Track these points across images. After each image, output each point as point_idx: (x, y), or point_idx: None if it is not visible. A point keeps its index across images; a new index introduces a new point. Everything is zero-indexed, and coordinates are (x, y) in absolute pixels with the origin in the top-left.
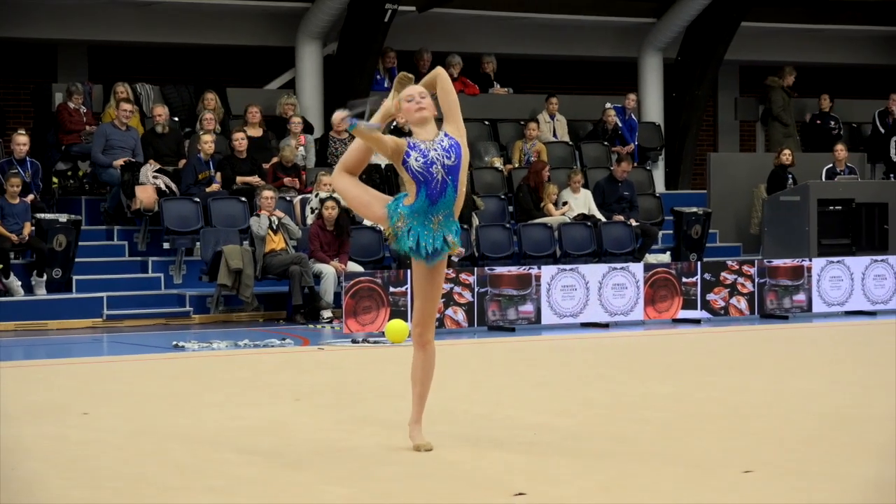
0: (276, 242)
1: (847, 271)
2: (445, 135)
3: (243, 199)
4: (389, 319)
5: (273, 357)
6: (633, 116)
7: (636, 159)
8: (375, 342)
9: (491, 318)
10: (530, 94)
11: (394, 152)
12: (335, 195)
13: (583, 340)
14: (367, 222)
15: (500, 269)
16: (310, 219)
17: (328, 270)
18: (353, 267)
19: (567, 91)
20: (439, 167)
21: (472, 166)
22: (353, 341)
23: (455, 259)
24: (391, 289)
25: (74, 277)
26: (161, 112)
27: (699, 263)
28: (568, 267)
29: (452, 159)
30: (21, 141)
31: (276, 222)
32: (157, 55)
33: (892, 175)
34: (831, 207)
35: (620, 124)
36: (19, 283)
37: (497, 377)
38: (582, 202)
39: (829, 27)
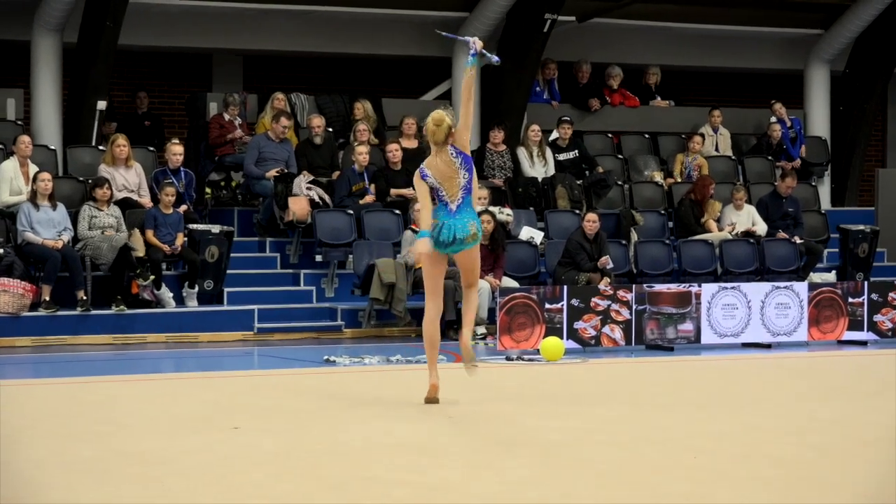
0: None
1: None
2: (452, 151)
3: (397, 211)
4: (545, 336)
5: (425, 373)
6: (785, 120)
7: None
8: (530, 360)
9: (649, 336)
10: (692, 107)
11: (419, 180)
12: (491, 209)
13: (744, 361)
14: (523, 236)
15: (659, 287)
16: None
17: (483, 285)
18: (508, 282)
19: (730, 104)
20: (438, 179)
21: (632, 180)
22: (508, 358)
23: (609, 266)
24: (547, 305)
25: (226, 289)
26: (318, 123)
27: (866, 283)
28: (729, 285)
29: (453, 169)
30: (176, 151)
31: None
32: (312, 64)
33: None
34: None
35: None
36: (171, 294)
37: (656, 398)
38: (745, 219)
39: None
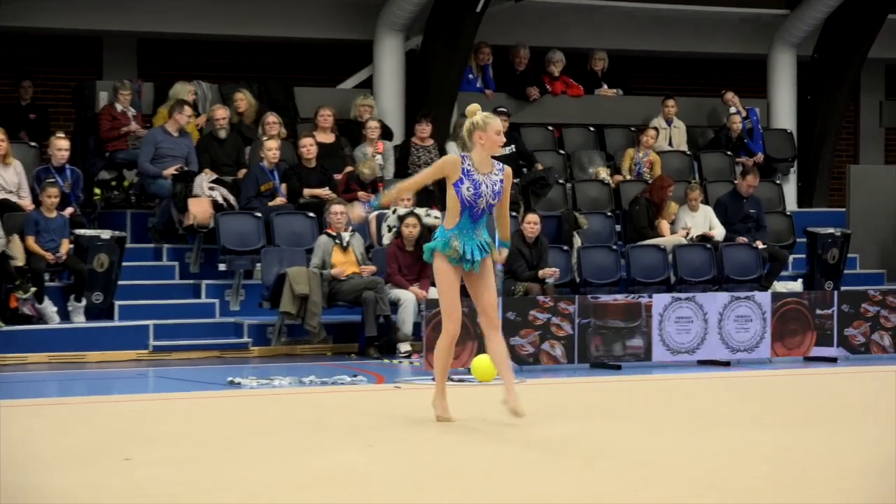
0: (347, 264)
1: None
2: (500, 170)
3: (311, 214)
4: (476, 354)
5: (343, 396)
6: (740, 110)
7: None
8: (461, 380)
9: (594, 353)
10: (642, 97)
11: (451, 168)
12: (417, 211)
13: (699, 381)
14: None
15: (605, 298)
16: (386, 238)
17: (407, 297)
18: (435, 293)
19: (685, 93)
20: (485, 201)
21: (575, 179)
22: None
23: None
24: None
25: (117, 303)
26: (223, 114)
27: (836, 293)
28: (683, 296)
29: (496, 199)
30: (61, 146)
31: (347, 241)
32: (215, 49)
33: None
34: None
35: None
36: (55, 308)
37: (598, 421)
38: (701, 221)
39: None
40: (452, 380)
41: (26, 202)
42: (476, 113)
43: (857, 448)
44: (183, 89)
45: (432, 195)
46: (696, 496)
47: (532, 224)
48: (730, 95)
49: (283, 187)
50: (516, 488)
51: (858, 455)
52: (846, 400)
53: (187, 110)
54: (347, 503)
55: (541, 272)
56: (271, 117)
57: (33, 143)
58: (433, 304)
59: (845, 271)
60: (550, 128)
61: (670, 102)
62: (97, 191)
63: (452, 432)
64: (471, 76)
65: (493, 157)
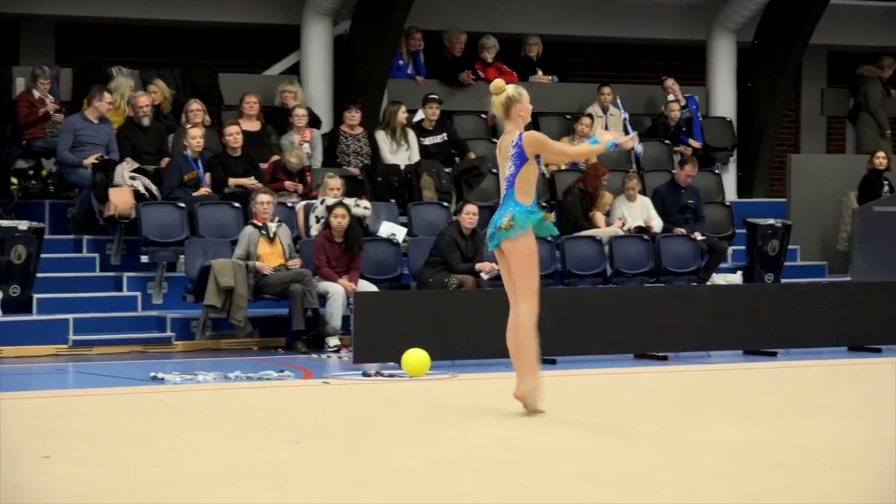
0: (274, 256)
1: None
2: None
3: (237, 204)
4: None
5: (269, 392)
6: (679, 98)
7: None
8: (391, 375)
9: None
10: (578, 83)
11: None
12: (346, 201)
13: (634, 375)
14: (382, 233)
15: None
16: (314, 229)
17: (336, 290)
18: (366, 286)
19: (622, 80)
20: None
21: None
22: (365, 374)
23: (486, 276)
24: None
25: (35, 296)
26: (145, 101)
27: (776, 286)
28: (622, 288)
29: None
30: None
31: (274, 232)
32: (137, 34)
33: None
34: None
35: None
36: None
37: (527, 417)
38: (639, 212)
39: None
40: (382, 375)
41: None
42: (505, 88)
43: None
44: (125, 83)
45: (361, 185)
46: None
47: (470, 215)
48: (670, 82)
49: (208, 177)
50: (443, 489)
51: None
52: (786, 395)
53: (107, 96)
54: (273, 502)
55: (477, 265)
56: (195, 104)
57: None
58: (363, 297)
59: (786, 263)
60: (484, 116)
61: (606, 90)
62: (14, 180)
63: (375, 431)
64: (401, 62)
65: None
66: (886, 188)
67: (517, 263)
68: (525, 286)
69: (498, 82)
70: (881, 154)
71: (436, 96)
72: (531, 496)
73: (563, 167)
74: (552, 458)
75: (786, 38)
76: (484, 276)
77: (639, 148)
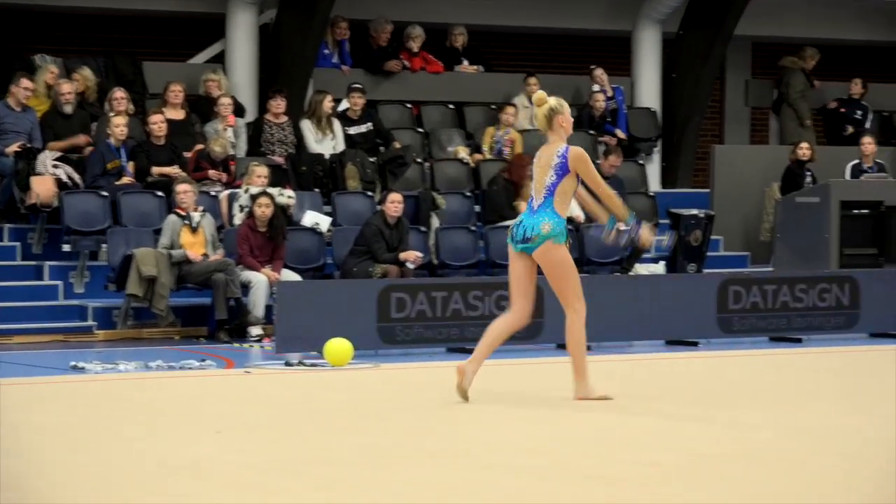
0: (196, 245)
1: None
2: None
3: (160, 193)
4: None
5: (191, 381)
6: (607, 88)
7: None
8: (313, 365)
9: (451, 335)
10: (504, 73)
11: None
12: (270, 190)
13: (551, 366)
14: (306, 222)
15: (461, 279)
16: (238, 218)
17: (259, 279)
18: (289, 275)
19: (548, 70)
20: None
21: (434, 158)
22: (287, 364)
23: (411, 265)
24: None
25: None
26: (68, 89)
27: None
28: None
29: None
30: None
31: (197, 221)
32: (61, 22)
33: None
34: (856, 211)
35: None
36: None
37: (447, 406)
38: None
39: None
40: (305, 364)
41: None
42: (547, 100)
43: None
44: (47, 70)
45: (286, 174)
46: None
47: (395, 204)
48: (599, 72)
49: (131, 165)
50: (368, 478)
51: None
52: (706, 384)
53: (24, 82)
54: (192, 492)
55: (402, 255)
56: (118, 93)
57: None
58: (286, 287)
59: (709, 254)
60: (409, 105)
61: (532, 80)
62: None
63: (297, 421)
64: (326, 51)
65: None
66: (809, 179)
67: (556, 273)
68: (568, 294)
69: (540, 94)
70: (804, 145)
71: (359, 86)
72: (455, 485)
73: (490, 156)
74: (469, 446)
75: (711, 29)
76: (409, 265)
77: (659, 243)
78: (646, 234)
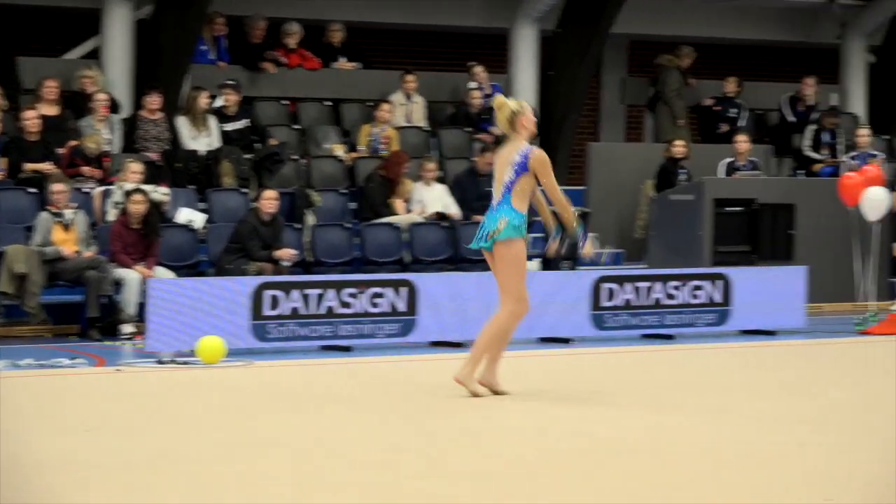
0: (69, 243)
1: None
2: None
3: (32, 189)
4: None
5: (60, 380)
6: (485, 86)
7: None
8: (185, 363)
9: (324, 333)
10: (381, 70)
11: None
12: (144, 187)
13: (432, 363)
14: (180, 219)
15: (336, 277)
16: (112, 215)
17: (132, 277)
18: (163, 272)
19: (425, 67)
20: None
21: (310, 155)
22: (159, 361)
23: (286, 263)
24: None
25: None
26: None
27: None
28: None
29: None
30: None
31: (70, 218)
32: None
33: (801, 171)
34: (729, 209)
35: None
36: None
37: (323, 403)
38: (436, 197)
39: None
40: (177, 362)
41: None
42: (507, 102)
43: None
44: None
45: (160, 171)
46: None
47: (270, 201)
48: (478, 69)
49: (3, 161)
50: (238, 476)
51: None
52: (578, 382)
53: None
54: (61, 490)
55: (277, 252)
56: None
57: None
58: (157, 284)
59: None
60: (285, 102)
61: (410, 77)
62: None
63: (167, 419)
64: (203, 47)
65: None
66: (684, 176)
67: (506, 267)
68: (511, 290)
69: (499, 98)
70: (679, 142)
71: (232, 82)
72: (321, 481)
73: (366, 154)
74: (346, 445)
75: (588, 27)
76: (284, 263)
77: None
78: (589, 247)
